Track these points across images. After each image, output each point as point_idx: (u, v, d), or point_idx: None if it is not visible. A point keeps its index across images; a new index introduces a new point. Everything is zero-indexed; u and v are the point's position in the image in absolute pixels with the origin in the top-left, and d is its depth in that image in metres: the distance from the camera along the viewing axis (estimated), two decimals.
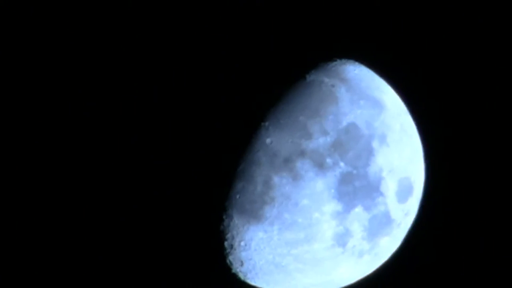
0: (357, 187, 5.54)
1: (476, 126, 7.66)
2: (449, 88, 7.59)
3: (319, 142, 5.44)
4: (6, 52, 6.75)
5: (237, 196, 5.45)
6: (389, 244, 6.05)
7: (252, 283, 5.93)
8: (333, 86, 5.68)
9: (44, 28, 6.73)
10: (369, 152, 5.60)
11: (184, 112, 5.60)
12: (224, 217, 5.52)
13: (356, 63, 6.02)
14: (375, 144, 5.66)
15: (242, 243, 5.57)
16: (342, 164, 5.47)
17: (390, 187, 5.73)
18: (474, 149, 7.69)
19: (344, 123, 5.54)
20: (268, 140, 5.43)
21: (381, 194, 5.68)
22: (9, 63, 6.74)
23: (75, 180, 6.45)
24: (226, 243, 5.63)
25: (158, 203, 5.70)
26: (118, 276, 6.84)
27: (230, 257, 5.71)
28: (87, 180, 6.30)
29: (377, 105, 5.83)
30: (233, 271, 5.81)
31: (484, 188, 7.70)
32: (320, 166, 5.43)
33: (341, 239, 5.63)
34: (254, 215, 5.46)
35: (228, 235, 5.58)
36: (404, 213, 5.96)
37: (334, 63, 5.90)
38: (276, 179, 5.40)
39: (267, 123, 5.46)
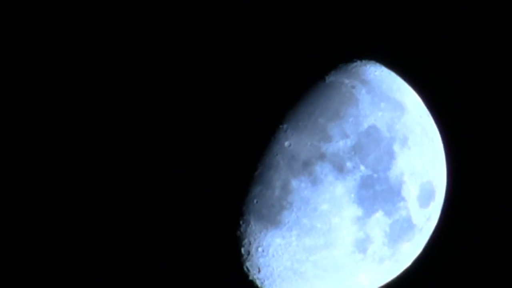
0: (378, 192, 5.52)
1: (499, 128, 7.65)
2: (472, 89, 7.58)
3: (339, 145, 5.43)
4: (6, 52, 6.81)
5: (255, 201, 5.43)
6: (410, 250, 6.03)
7: None
8: (353, 87, 5.67)
9: (44, 28, 6.82)
10: (390, 156, 5.59)
11: (201, 115, 5.61)
12: (241, 222, 5.50)
13: (377, 64, 6.01)
14: (396, 147, 5.64)
15: (260, 249, 5.56)
16: (362, 167, 5.46)
17: (411, 191, 5.72)
18: (497, 151, 7.67)
19: (365, 126, 5.54)
20: (286, 143, 5.41)
21: (403, 198, 5.66)
22: (9, 63, 6.81)
23: (91, 183, 6.53)
24: (243, 249, 5.62)
25: (174, 208, 5.71)
26: (133, 284, 6.91)
27: (247, 264, 5.69)
28: (101, 184, 6.38)
29: (398, 107, 5.82)
30: (250, 278, 5.78)
31: (508, 192, 7.69)
32: (340, 169, 5.41)
33: (362, 245, 5.61)
34: (272, 220, 5.43)
35: (245, 241, 5.56)
36: (426, 218, 5.95)
37: (354, 64, 5.89)
38: (294, 183, 5.38)
39: (285, 126, 5.45)
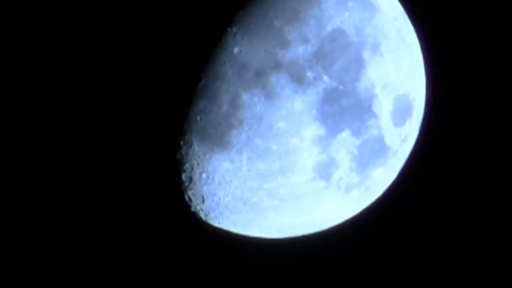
0: (344, 107, 5.34)
1: (489, 35, 7.57)
2: None
3: (298, 51, 5.22)
4: (6, 52, 6.84)
5: (198, 118, 5.26)
6: (383, 177, 5.92)
7: (215, 223, 5.84)
8: None
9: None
10: (359, 64, 5.39)
11: (135, 18, 5.39)
12: (181, 143, 5.34)
13: None
14: (366, 54, 5.43)
15: (204, 175, 5.43)
16: (326, 78, 5.25)
17: (384, 106, 5.54)
18: (483, 61, 7.60)
19: (329, 29, 5.32)
20: (236, 50, 5.22)
21: (374, 115, 5.49)
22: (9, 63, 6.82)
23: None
24: (184, 175, 5.47)
25: (103, 125, 5.57)
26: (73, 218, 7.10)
27: (189, 192, 5.55)
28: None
29: (369, 6, 5.59)
30: (193, 209, 5.67)
31: (494, 109, 7.61)
32: (300, 81, 5.21)
33: (325, 170, 5.45)
34: (219, 141, 5.29)
35: (187, 166, 5.41)
36: (401, 138, 5.82)
37: None
38: (245, 97, 5.21)
39: (234, 29, 5.23)
